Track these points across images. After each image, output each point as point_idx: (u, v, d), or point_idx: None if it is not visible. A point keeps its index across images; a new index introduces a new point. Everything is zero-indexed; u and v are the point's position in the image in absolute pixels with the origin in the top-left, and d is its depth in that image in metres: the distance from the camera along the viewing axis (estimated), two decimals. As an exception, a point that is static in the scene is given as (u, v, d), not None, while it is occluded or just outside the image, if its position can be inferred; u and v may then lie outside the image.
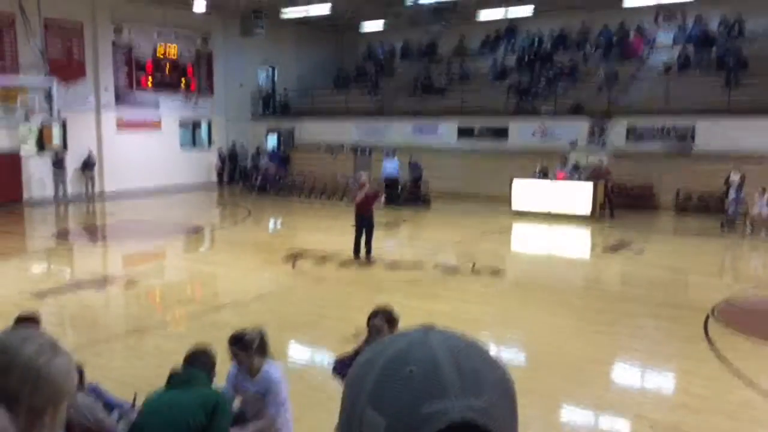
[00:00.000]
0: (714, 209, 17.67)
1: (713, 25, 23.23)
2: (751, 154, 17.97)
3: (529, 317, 9.48)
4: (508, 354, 8.12)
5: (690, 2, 22.91)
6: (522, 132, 22.79)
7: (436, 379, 0.71)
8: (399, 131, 25.13)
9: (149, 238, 16.28)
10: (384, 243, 14.37)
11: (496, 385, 0.74)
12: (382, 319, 4.60)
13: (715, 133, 19.52)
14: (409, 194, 21.29)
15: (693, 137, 20.10)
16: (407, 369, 0.72)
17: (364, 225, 12.66)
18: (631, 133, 21.13)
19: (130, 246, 15.40)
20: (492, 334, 8.83)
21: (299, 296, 10.56)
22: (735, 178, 16.75)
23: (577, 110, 21.99)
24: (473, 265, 12.29)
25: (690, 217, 18.24)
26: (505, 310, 9.96)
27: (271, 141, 28.62)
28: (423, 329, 0.78)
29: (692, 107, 20.24)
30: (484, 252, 13.73)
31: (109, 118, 23.52)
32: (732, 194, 16.67)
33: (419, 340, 0.75)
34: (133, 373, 6.87)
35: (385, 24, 27.81)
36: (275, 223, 20.43)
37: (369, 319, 4.75)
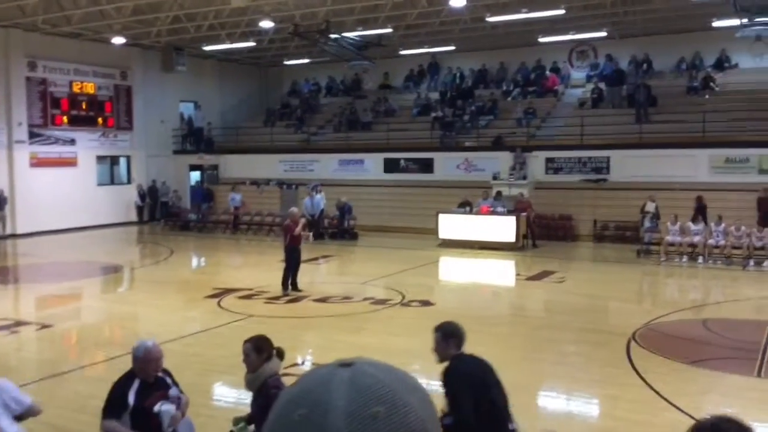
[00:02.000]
0: (630, 238, 18.38)
1: (623, 64, 24.46)
2: (663, 184, 18.87)
3: (458, 348, 9.51)
4: (435, 386, 8.11)
5: (601, 41, 24.07)
6: (447, 165, 23.23)
7: (320, 427, 0.67)
8: (325, 166, 25.16)
9: (65, 279, 15.56)
10: (312, 277, 14.24)
11: (401, 422, 0.68)
12: (250, 347, 4.87)
13: (629, 165, 20.45)
14: (335, 229, 21.25)
15: (608, 169, 20.98)
16: (297, 413, 0.69)
17: (293, 258, 12.73)
18: (550, 166, 21.86)
19: (45, 288, 14.67)
20: (420, 366, 8.80)
21: (225, 336, 10.26)
22: (650, 207, 17.52)
23: (498, 144, 22.61)
24: (402, 298, 12.30)
25: (607, 246, 18.89)
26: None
27: (194, 177, 28.10)
28: (335, 366, 0.74)
29: (606, 141, 21.18)
30: (413, 284, 13.78)
31: (22, 155, 22.56)
32: (647, 223, 17.41)
33: (325, 379, 0.71)
34: (50, 422, 6.48)
35: (309, 60, 27.97)
36: (199, 260, 19.96)
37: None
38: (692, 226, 16.46)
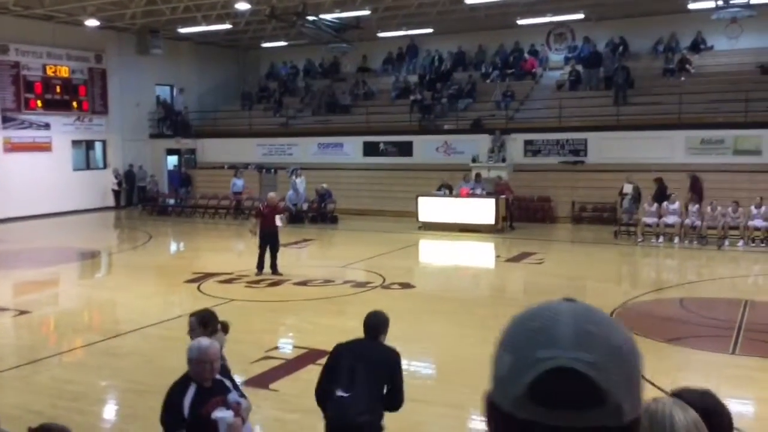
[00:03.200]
0: (608, 219, 18.56)
1: (601, 46, 24.56)
2: (639, 166, 19.05)
3: (437, 329, 9.59)
4: (418, 368, 8.17)
5: (578, 23, 24.13)
6: (426, 148, 23.22)
7: (552, 332, 0.86)
8: (304, 150, 25.03)
9: (42, 265, 15.37)
10: (292, 261, 14.21)
11: (610, 349, 0.85)
12: (195, 321, 4.97)
13: (606, 147, 20.58)
14: (315, 213, 21.21)
15: (585, 151, 21.13)
16: (534, 323, 0.89)
17: (268, 242, 12.75)
18: (529, 148, 21.95)
19: (22, 274, 14.49)
20: (402, 348, 8.82)
21: (206, 319, 10.24)
22: (628, 189, 17.69)
23: (477, 126, 22.64)
24: (383, 281, 12.33)
25: (585, 227, 19.07)
26: (414, 323, 10.01)
27: (171, 161, 27.83)
28: (562, 300, 0.93)
29: (584, 123, 21.31)
30: (393, 267, 13.82)
31: (-5, 140, 22.18)
32: (625, 204, 17.59)
33: (554, 305, 0.91)
34: (27, 407, 6.43)
35: (287, 43, 27.74)
36: (178, 245, 19.82)
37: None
38: (669, 207, 16.63)
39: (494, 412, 0.91)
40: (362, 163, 23.98)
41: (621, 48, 24.14)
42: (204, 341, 4.41)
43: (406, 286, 12.27)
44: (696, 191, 17.02)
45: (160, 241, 19.42)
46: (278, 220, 12.87)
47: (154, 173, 26.22)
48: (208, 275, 13.05)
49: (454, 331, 9.44)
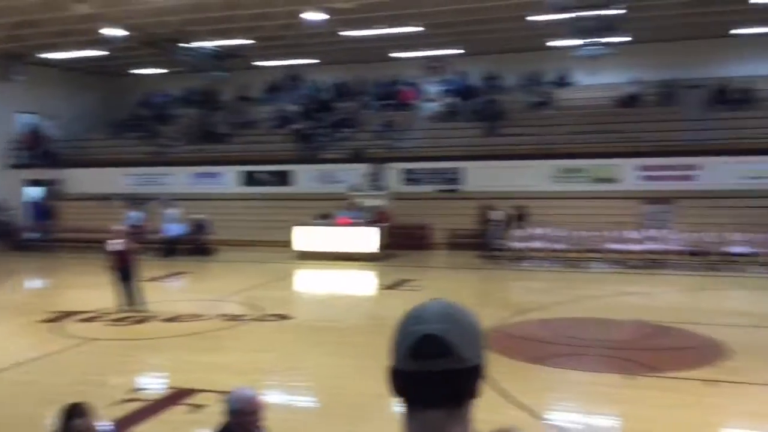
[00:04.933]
0: (481, 244, 19.14)
1: (475, 79, 25.59)
2: (510, 193, 19.93)
3: (313, 360, 9.45)
4: (296, 402, 8.02)
5: (454, 57, 25.02)
6: (306, 177, 23.17)
7: (421, 314, 1.32)
8: (179, 179, 24.28)
9: None
10: (161, 296, 13.63)
11: (456, 322, 1.31)
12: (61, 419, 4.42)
13: (479, 176, 21.43)
14: (190, 244, 20.51)
15: (460, 180, 21.89)
16: (412, 312, 1.34)
17: (122, 274, 12.10)
18: (407, 177, 22.45)
19: None
20: (278, 381, 8.67)
21: (66, 362, 9.56)
22: (496, 215, 18.48)
23: (357, 156, 22.87)
24: (258, 312, 12.06)
25: (461, 253, 19.54)
26: (290, 355, 9.85)
27: (33, 193, 26.08)
28: (429, 300, 1.37)
29: (459, 152, 22.08)
30: (270, 298, 13.56)
31: None
32: (494, 230, 18.33)
33: (425, 302, 1.36)
34: None
35: (164, 70, 26.93)
36: (38, 281, 18.55)
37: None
38: (536, 232, 17.47)
39: (391, 372, 1.32)
40: (241, 193, 23.57)
41: (494, 81, 25.26)
42: (247, 391, 4.07)
43: (282, 317, 12.04)
44: (520, 220, 18.35)
45: (18, 277, 18.11)
46: (118, 245, 12.16)
47: (14, 206, 24.47)
48: (69, 313, 12.25)
49: (332, 361, 9.34)
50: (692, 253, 16.75)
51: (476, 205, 19.71)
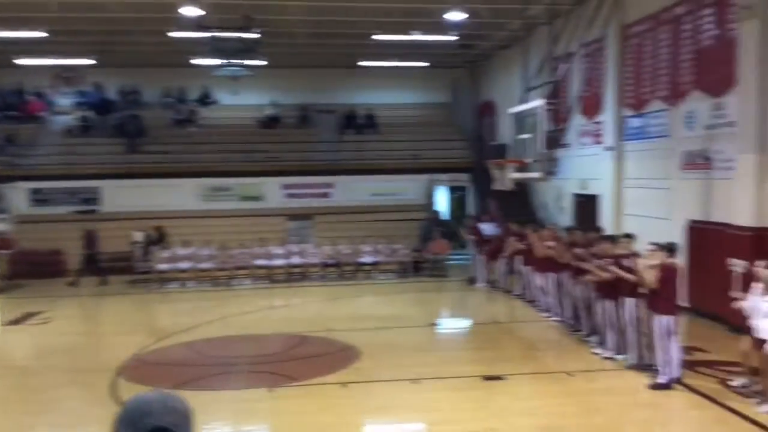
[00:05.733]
0: (126, 268, 18.06)
1: (112, 92, 24.12)
2: (155, 213, 19.21)
3: None
4: None
5: (88, 68, 23.23)
6: None
7: (149, 411, 1.68)
8: None
9: None
10: None
11: (175, 411, 1.72)
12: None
13: (121, 195, 20.30)
14: None
15: (99, 200, 20.44)
16: (136, 405, 1.70)
17: None
18: (36, 197, 20.22)
19: None
20: None
21: None
22: (138, 237, 17.71)
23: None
24: None
25: (105, 279, 18.18)
26: None
27: None
28: (149, 391, 1.74)
29: (97, 170, 20.61)
30: None
31: None
32: (137, 252, 17.51)
33: (146, 394, 1.72)
34: None
35: None
36: None
37: None
38: (184, 252, 17.11)
39: None
40: None
41: (132, 96, 24.14)
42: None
43: None
44: (161, 240, 18.16)
45: None
46: None
47: None
48: None
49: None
50: (330, 265, 18.08)
51: (121, 227, 18.59)
